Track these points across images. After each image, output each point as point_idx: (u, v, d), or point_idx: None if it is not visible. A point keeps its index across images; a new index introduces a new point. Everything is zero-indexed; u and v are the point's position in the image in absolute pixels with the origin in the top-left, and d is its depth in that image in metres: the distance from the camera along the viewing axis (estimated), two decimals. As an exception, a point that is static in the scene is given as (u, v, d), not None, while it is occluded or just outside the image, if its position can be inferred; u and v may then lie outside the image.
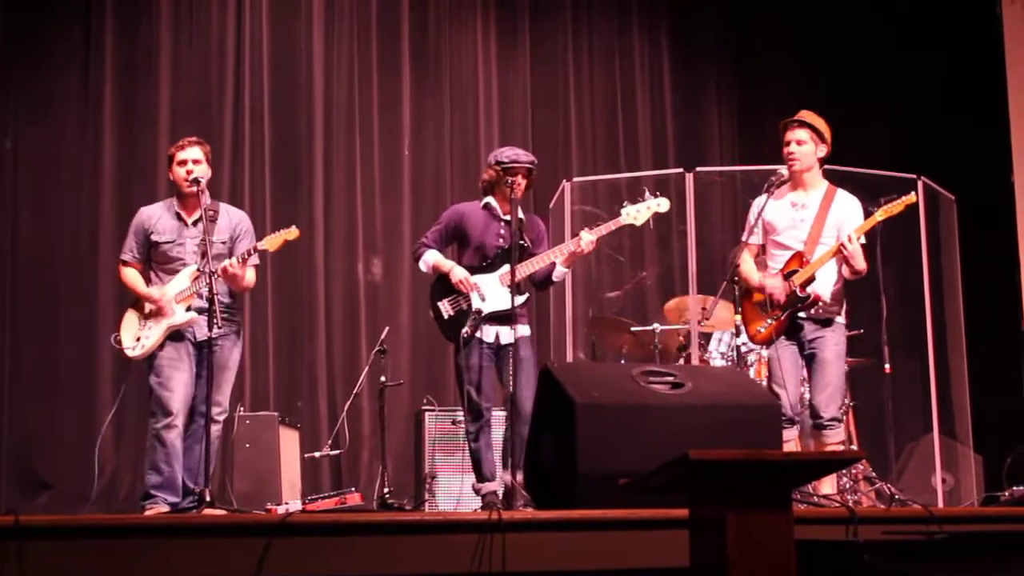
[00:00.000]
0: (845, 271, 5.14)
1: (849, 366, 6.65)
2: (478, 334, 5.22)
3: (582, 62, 8.73)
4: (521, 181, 5.23)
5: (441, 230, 5.45)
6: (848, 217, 5.14)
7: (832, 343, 5.10)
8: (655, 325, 6.88)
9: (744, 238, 5.28)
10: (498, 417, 5.74)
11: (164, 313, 5.01)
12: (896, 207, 5.09)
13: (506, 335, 5.22)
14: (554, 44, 8.66)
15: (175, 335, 5.04)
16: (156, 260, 5.16)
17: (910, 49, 8.63)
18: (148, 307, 5.09)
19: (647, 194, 5.31)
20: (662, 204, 5.29)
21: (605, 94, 8.75)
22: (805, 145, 5.17)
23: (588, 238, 5.19)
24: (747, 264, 5.24)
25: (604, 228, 5.28)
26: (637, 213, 5.26)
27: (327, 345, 7.67)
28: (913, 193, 5.16)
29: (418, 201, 8.10)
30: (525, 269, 5.18)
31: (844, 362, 5.28)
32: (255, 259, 5.20)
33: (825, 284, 5.10)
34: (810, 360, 5.11)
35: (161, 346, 5.02)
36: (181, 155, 5.12)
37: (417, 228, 7.86)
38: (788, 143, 5.18)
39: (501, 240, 5.29)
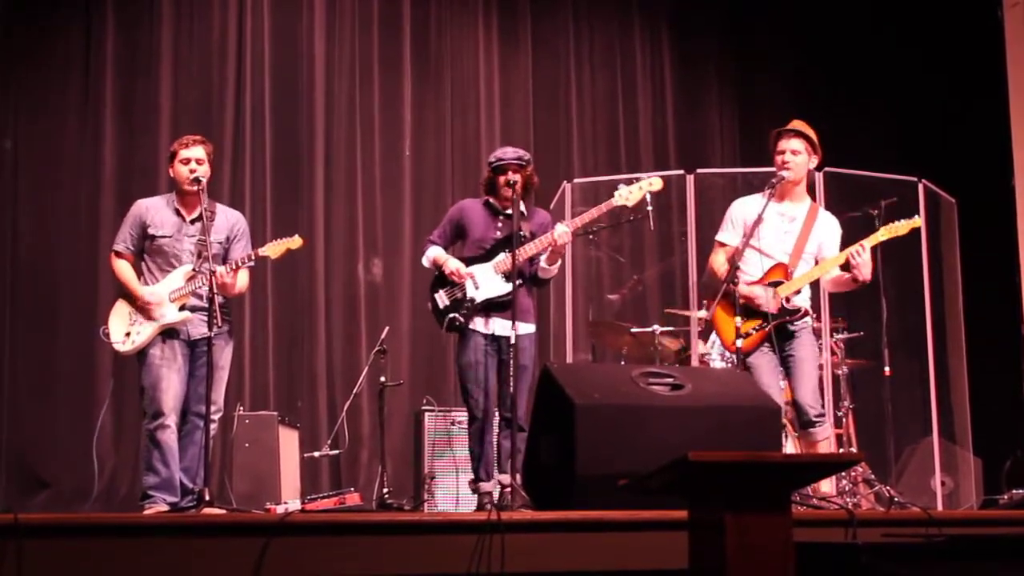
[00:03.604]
0: (831, 282, 5.20)
1: (849, 368, 6.68)
2: (472, 325, 5.24)
3: (583, 63, 8.73)
4: (513, 177, 5.22)
5: (445, 226, 5.53)
6: (829, 237, 5.20)
7: (807, 343, 5.15)
8: (655, 327, 6.88)
9: (719, 236, 5.29)
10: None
11: (157, 311, 4.99)
12: (901, 229, 5.13)
13: (502, 327, 5.21)
14: (555, 45, 8.67)
15: (167, 333, 4.99)
16: (151, 254, 5.10)
17: (912, 51, 8.63)
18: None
19: (642, 176, 5.32)
20: (655, 183, 5.26)
21: (606, 95, 8.75)
22: (800, 155, 5.17)
23: (561, 230, 5.17)
24: (722, 266, 5.24)
25: (587, 215, 5.28)
26: (629, 194, 5.23)
27: (327, 345, 7.67)
28: (917, 217, 5.20)
29: (419, 201, 8.09)
30: (518, 256, 5.16)
31: (819, 359, 5.30)
32: (249, 262, 5.16)
33: (806, 297, 5.18)
34: (787, 362, 5.13)
35: (152, 344, 4.98)
36: (185, 153, 5.08)
37: (418, 228, 7.86)
38: (783, 152, 5.18)
39: (498, 232, 5.31)
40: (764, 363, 5.08)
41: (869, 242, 5.06)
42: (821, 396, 5.25)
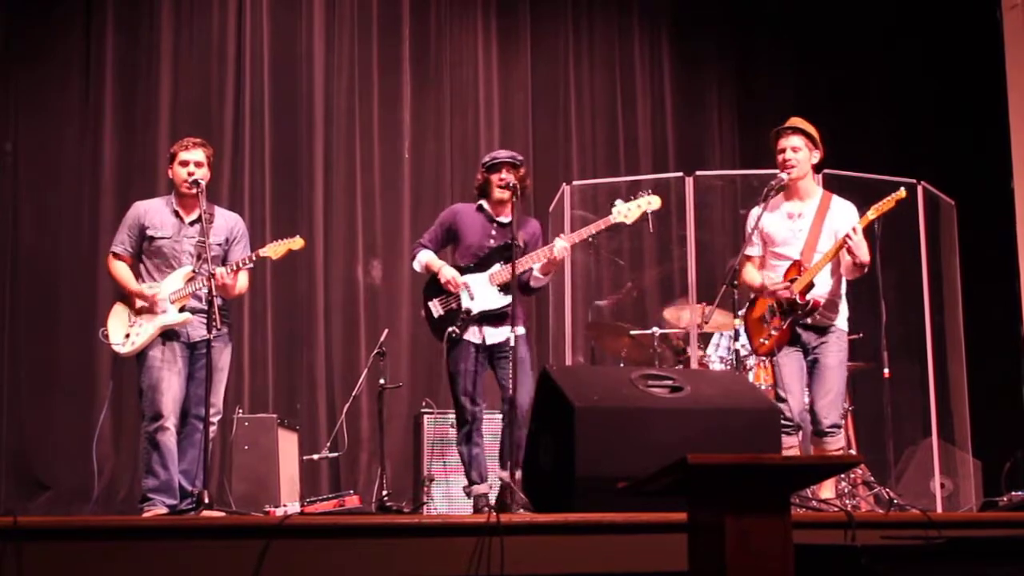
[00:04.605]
0: (844, 269, 5.14)
1: (849, 370, 6.65)
2: (464, 335, 5.22)
3: (582, 65, 8.73)
4: (506, 176, 5.21)
5: (437, 230, 5.50)
6: (845, 224, 5.14)
7: (835, 349, 5.12)
8: (654, 329, 6.88)
9: (744, 251, 5.27)
10: (495, 418, 5.77)
11: (156, 312, 4.98)
12: (887, 204, 5.09)
13: (494, 335, 5.21)
14: (555, 47, 8.67)
15: (167, 335, 4.99)
16: (149, 255, 5.10)
17: (911, 52, 8.63)
18: (139, 303, 5.03)
19: (640, 193, 5.31)
20: (653, 202, 5.25)
21: (605, 97, 8.75)
22: (800, 152, 5.16)
23: (561, 244, 5.16)
24: (751, 274, 5.25)
25: (585, 231, 5.26)
26: (628, 211, 5.23)
27: (326, 347, 7.67)
28: (902, 188, 5.16)
29: (418, 204, 8.09)
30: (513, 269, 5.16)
31: (845, 369, 5.28)
32: (249, 263, 5.16)
33: (823, 291, 5.12)
34: (812, 365, 5.12)
35: (152, 346, 4.97)
36: (184, 155, 5.09)
37: (416, 230, 7.84)
38: (783, 150, 5.17)
39: (492, 240, 5.30)
40: (789, 363, 5.09)
41: (860, 224, 5.04)
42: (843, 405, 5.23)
